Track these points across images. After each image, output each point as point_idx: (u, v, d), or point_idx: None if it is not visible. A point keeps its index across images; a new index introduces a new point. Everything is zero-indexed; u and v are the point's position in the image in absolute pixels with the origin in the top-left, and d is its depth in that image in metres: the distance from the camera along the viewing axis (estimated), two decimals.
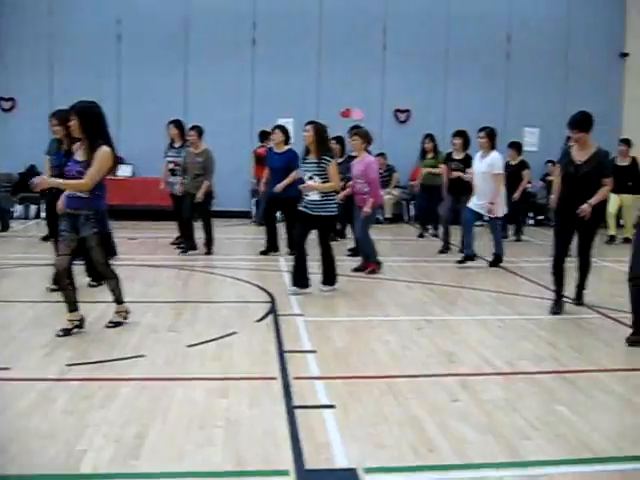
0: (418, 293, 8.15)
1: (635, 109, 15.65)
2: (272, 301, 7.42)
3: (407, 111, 15.91)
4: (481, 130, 9.87)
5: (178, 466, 3.64)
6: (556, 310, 7.21)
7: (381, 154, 15.12)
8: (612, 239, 12.63)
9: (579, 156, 7.02)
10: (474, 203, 9.72)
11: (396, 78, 15.61)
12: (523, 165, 12.64)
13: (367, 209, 8.90)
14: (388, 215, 15.27)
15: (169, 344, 5.83)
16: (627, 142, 12.72)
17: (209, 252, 10.40)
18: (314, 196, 7.73)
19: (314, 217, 7.77)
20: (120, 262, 8.63)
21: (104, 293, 6.79)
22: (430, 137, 12.96)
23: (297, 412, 4.37)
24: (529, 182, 13.28)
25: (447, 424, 4.25)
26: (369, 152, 9.54)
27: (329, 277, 8.01)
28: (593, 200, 6.94)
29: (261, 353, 5.63)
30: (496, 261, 9.90)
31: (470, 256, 9.76)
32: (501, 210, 9.82)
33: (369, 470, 3.62)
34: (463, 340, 6.17)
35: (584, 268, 7.44)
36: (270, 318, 6.73)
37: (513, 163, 12.58)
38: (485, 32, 15.85)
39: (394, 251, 11.43)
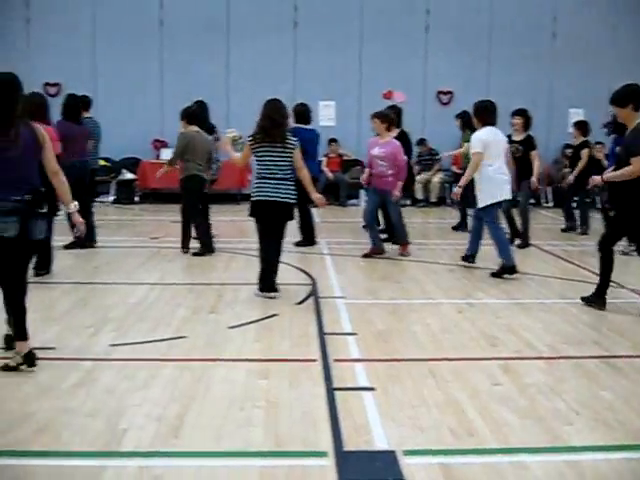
0: (460, 276, 8.07)
1: None
2: (313, 284, 7.42)
3: (449, 93, 15.72)
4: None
5: (217, 446, 3.68)
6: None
7: (422, 140, 15.00)
8: None
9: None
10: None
11: (438, 59, 15.43)
12: (585, 144, 11.17)
13: (397, 192, 8.84)
14: (433, 199, 15.16)
15: (210, 325, 5.89)
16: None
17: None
18: None
19: None
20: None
21: (148, 274, 7.00)
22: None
23: (337, 394, 4.38)
24: None
25: (487, 408, 4.21)
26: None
27: None
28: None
29: (301, 335, 5.64)
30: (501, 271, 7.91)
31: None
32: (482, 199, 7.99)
33: (408, 452, 3.60)
34: (505, 324, 6.09)
35: None
36: (311, 300, 6.75)
37: (577, 143, 11.33)
38: (529, 12, 15.55)
39: (436, 234, 11.36)
